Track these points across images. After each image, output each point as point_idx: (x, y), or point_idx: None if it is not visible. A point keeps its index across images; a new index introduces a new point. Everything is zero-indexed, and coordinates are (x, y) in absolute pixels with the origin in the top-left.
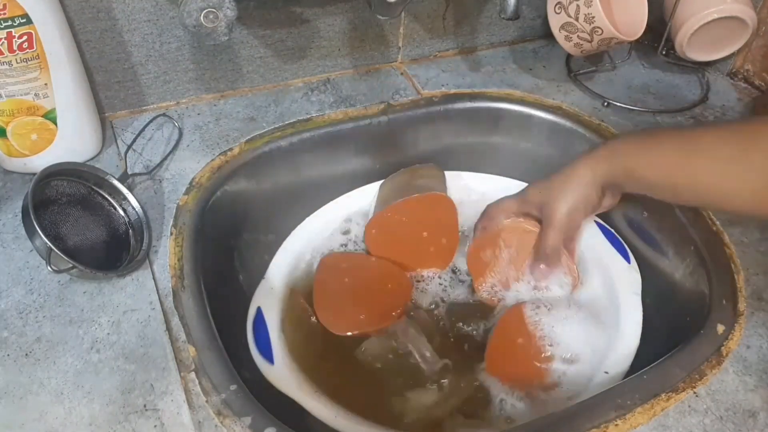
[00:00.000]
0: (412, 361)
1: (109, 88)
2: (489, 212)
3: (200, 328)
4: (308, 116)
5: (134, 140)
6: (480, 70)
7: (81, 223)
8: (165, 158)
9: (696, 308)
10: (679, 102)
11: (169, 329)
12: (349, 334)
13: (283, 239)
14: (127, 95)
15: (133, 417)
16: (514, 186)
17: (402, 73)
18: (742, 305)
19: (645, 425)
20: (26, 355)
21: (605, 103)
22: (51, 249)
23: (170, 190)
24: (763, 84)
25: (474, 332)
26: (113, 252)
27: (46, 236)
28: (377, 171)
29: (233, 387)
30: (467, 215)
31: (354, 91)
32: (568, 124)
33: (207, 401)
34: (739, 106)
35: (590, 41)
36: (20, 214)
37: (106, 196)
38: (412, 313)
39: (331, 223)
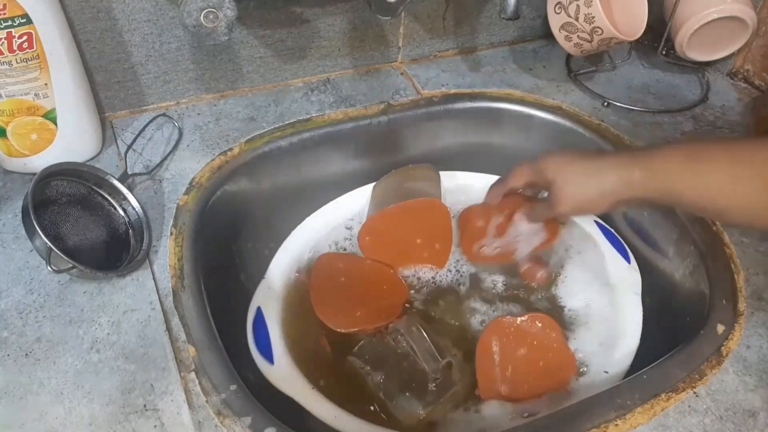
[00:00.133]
0: (411, 360)
1: (109, 88)
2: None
3: (200, 328)
4: (308, 116)
5: (134, 140)
6: (480, 70)
7: (81, 223)
8: (165, 158)
9: (696, 308)
10: (679, 102)
11: (169, 329)
12: (349, 330)
13: (283, 239)
14: (127, 95)
15: (133, 417)
16: None
17: (402, 73)
18: (742, 305)
19: (645, 425)
20: (26, 355)
21: (605, 103)
22: (51, 249)
23: (170, 190)
24: (763, 84)
25: (469, 333)
26: (113, 252)
27: (46, 236)
28: (377, 171)
29: (233, 387)
30: None
31: (354, 91)
32: (568, 124)
33: (207, 401)
34: (739, 106)
35: (590, 41)
36: (20, 214)
37: (106, 196)
38: (408, 314)
39: (331, 223)
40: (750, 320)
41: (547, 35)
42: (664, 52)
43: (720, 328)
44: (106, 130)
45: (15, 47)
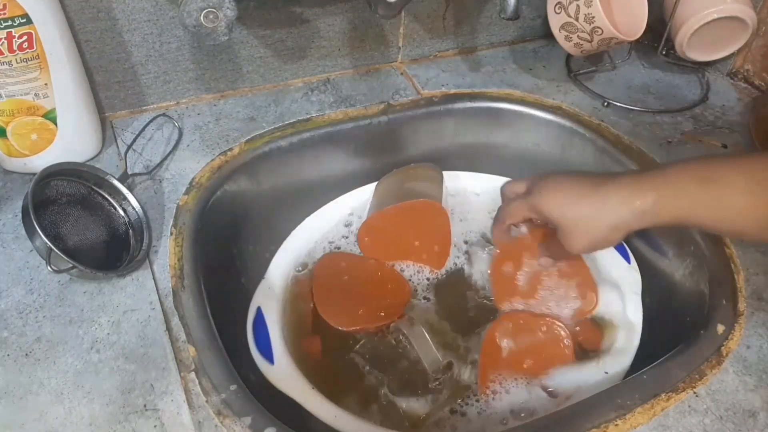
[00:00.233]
0: (412, 360)
1: (109, 88)
2: (504, 196)
3: (200, 328)
4: (308, 116)
5: (134, 140)
6: (480, 70)
7: (81, 223)
8: (165, 158)
9: (696, 308)
10: (679, 102)
11: (169, 329)
12: (351, 329)
13: (283, 239)
14: (127, 95)
15: (133, 417)
16: None
17: (402, 73)
18: (742, 305)
19: (645, 425)
20: (26, 355)
21: (605, 103)
22: (51, 249)
23: (170, 190)
24: (763, 84)
25: (471, 333)
26: (113, 252)
27: (46, 236)
28: (377, 171)
29: (233, 387)
30: (467, 216)
31: (354, 91)
32: (568, 124)
33: (207, 401)
34: (739, 106)
35: (590, 41)
36: (20, 214)
37: (106, 196)
38: (410, 314)
39: (331, 222)
40: (750, 320)
41: (547, 35)
42: (664, 52)
43: (720, 328)
44: (106, 130)
45: (15, 47)
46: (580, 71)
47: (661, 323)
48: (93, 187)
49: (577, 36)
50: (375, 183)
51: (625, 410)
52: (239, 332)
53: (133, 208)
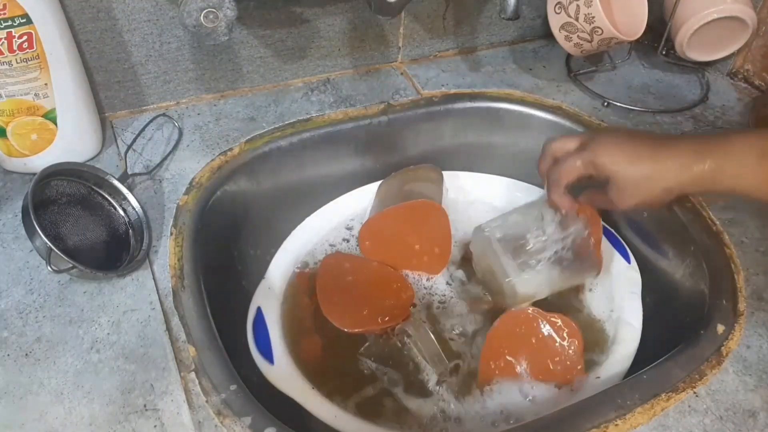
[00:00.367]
0: (417, 361)
1: (109, 88)
2: (551, 155)
3: (200, 328)
4: (308, 116)
5: (134, 140)
6: (480, 70)
7: (81, 223)
8: (165, 158)
9: (696, 308)
10: (679, 102)
11: (169, 329)
12: (355, 330)
13: (283, 239)
14: (127, 95)
15: (133, 417)
16: (514, 186)
17: (402, 73)
18: (742, 305)
19: (645, 425)
20: (26, 355)
21: (605, 103)
22: (51, 249)
23: (170, 190)
24: (763, 84)
25: (473, 336)
26: (113, 252)
27: (46, 236)
28: (377, 171)
29: (233, 387)
30: (466, 216)
31: (354, 91)
32: (568, 124)
33: (207, 401)
34: (739, 106)
35: (590, 41)
36: (20, 214)
37: (106, 196)
38: (415, 315)
39: (331, 223)
40: (750, 320)
41: (547, 35)
42: (664, 52)
43: (720, 328)
44: (106, 130)
45: (15, 47)
46: (580, 71)
47: (661, 323)
48: (93, 187)
49: (577, 36)
50: (375, 183)
51: (625, 410)
52: (239, 332)
53: (133, 208)
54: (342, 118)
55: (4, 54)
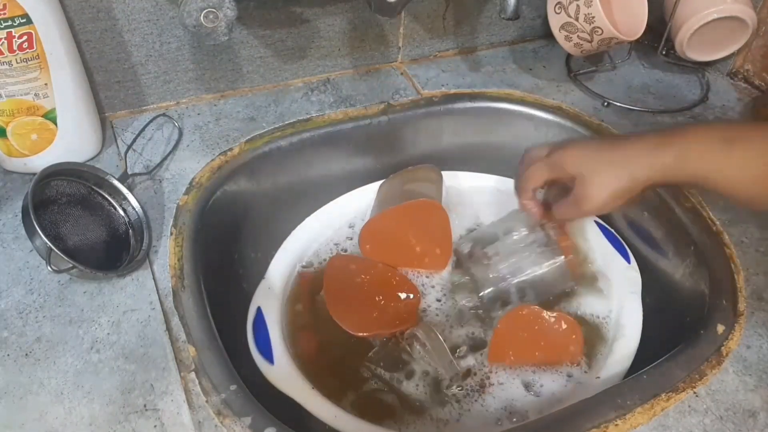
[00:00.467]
0: (427, 366)
1: (109, 88)
2: (525, 163)
3: (200, 328)
4: (308, 116)
5: (134, 140)
6: (480, 70)
7: (81, 223)
8: (165, 158)
9: (696, 308)
10: (679, 102)
11: (169, 329)
12: (364, 334)
13: (283, 239)
14: (127, 95)
15: (133, 417)
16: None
17: (402, 73)
18: (742, 305)
19: (645, 425)
20: (26, 355)
21: (605, 103)
22: (51, 249)
23: (170, 190)
24: (763, 84)
25: (480, 338)
26: (113, 252)
27: (46, 236)
28: (377, 171)
29: (233, 387)
30: (466, 216)
31: (354, 91)
32: (568, 124)
33: (207, 401)
34: (739, 106)
35: (590, 41)
36: (20, 214)
37: (106, 196)
38: (423, 320)
39: (332, 223)
40: (750, 320)
41: (547, 35)
42: (664, 52)
43: (720, 328)
44: (106, 130)
45: (15, 47)
46: (580, 71)
47: (661, 323)
48: (93, 187)
49: (577, 36)
50: (375, 183)
51: (625, 410)
52: (239, 332)
53: (133, 208)
54: (342, 118)
55: (4, 54)
